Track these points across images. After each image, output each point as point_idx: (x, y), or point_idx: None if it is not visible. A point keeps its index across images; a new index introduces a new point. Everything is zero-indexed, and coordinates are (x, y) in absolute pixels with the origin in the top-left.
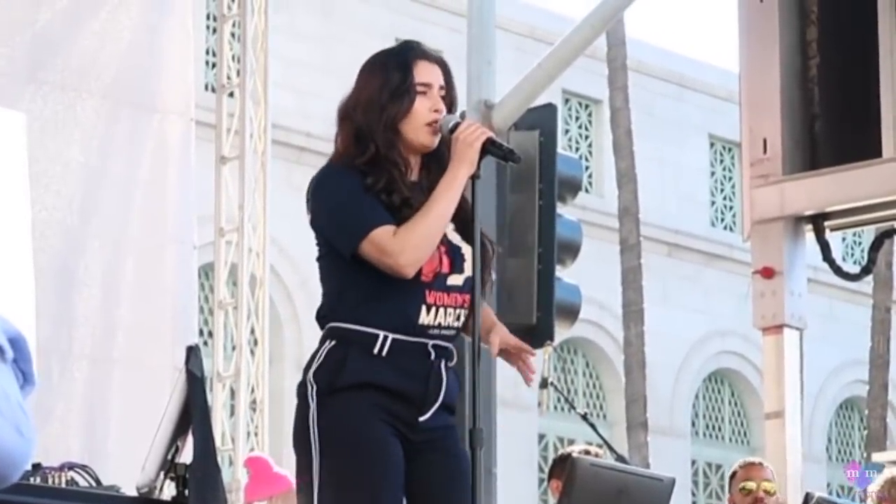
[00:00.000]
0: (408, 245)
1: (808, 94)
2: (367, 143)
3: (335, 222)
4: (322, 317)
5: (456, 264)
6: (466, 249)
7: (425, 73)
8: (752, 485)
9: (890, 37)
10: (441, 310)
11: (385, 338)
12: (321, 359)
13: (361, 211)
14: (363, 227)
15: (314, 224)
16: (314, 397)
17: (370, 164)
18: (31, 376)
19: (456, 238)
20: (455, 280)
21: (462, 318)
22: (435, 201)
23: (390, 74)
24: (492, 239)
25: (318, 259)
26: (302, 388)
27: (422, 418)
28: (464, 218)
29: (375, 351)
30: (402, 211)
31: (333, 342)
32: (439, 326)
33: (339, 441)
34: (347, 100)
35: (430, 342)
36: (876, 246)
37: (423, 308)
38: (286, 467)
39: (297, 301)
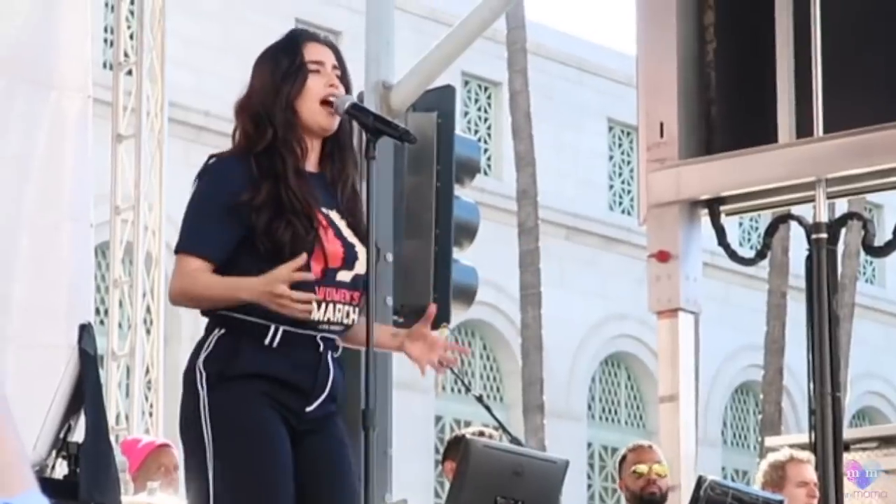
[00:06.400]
0: (190, 290)
1: (705, 78)
2: (265, 128)
3: (185, 218)
4: None
5: (347, 260)
6: (360, 249)
7: (315, 52)
8: (643, 468)
9: (787, 22)
10: (330, 305)
11: (276, 329)
12: (210, 347)
13: (203, 228)
14: (190, 245)
15: None
16: (203, 385)
17: (267, 152)
18: None
19: (349, 234)
20: (344, 276)
21: (351, 316)
22: (232, 290)
23: (280, 59)
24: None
25: None
26: (190, 376)
27: (308, 408)
28: (357, 215)
29: (267, 342)
30: (281, 254)
31: (223, 331)
32: (328, 322)
33: (232, 427)
34: (242, 95)
35: (319, 334)
36: (771, 231)
37: (314, 303)
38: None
39: None
